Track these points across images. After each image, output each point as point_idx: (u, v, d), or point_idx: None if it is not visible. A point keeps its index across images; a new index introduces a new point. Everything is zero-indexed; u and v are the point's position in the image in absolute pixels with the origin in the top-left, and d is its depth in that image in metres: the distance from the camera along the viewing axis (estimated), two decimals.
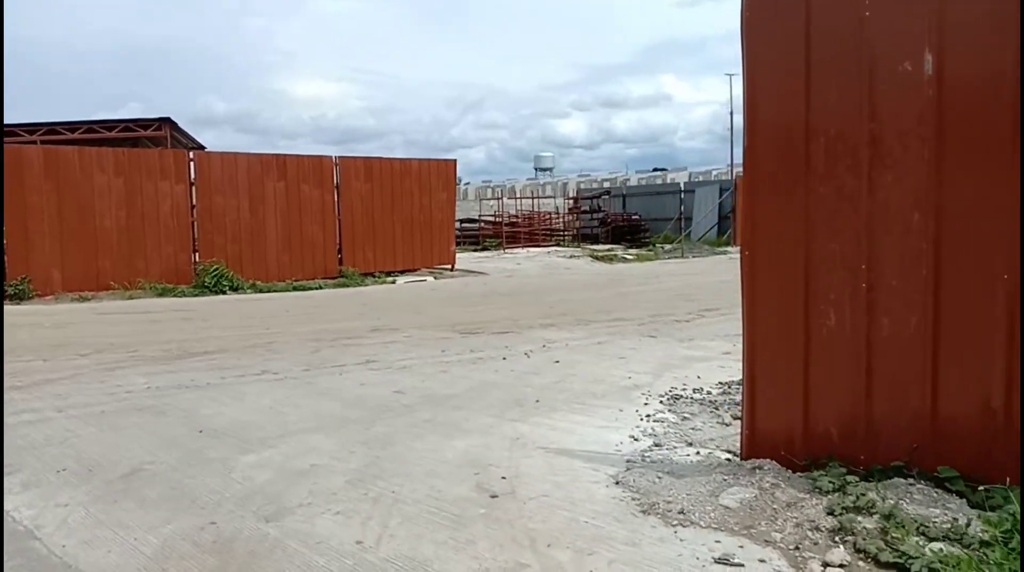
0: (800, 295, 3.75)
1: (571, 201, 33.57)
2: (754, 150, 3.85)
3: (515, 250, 26.97)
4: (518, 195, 39.85)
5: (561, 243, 30.41)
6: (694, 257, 23.84)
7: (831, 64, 3.59)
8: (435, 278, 17.78)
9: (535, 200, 32.67)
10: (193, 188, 15.92)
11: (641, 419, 5.17)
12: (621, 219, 29.71)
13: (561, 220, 31.97)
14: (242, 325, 10.55)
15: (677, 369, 6.95)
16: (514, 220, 30.00)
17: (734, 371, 6.78)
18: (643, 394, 5.96)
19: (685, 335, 8.89)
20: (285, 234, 16.64)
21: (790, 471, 3.66)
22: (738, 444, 4.49)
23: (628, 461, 4.21)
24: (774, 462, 3.73)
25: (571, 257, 23.38)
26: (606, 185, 77.92)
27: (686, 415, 5.25)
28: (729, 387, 6.13)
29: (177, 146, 21.79)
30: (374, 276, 17.55)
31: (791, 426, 3.80)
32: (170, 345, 8.84)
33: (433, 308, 12.01)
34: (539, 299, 13.04)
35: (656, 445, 4.52)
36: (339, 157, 17.35)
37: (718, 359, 7.38)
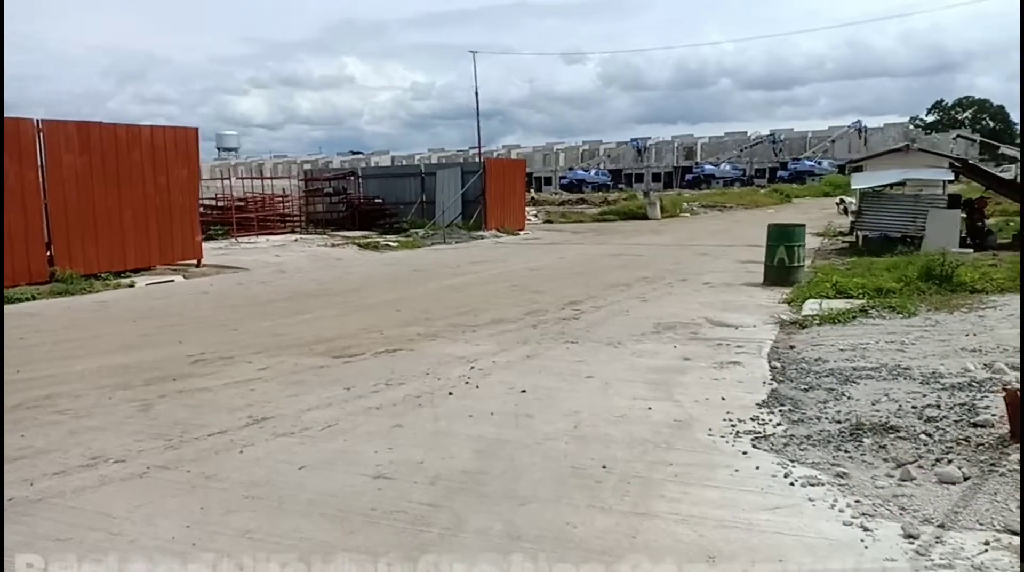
0: None
1: (304, 183, 30.28)
2: None
3: (251, 239, 23.27)
4: (209, 176, 35.10)
5: (297, 230, 27.19)
6: (457, 243, 22.61)
7: None
8: (185, 278, 14.14)
9: (263, 181, 28.78)
10: None
11: (792, 484, 3.72)
12: (367, 203, 27.35)
13: (294, 204, 28.60)
14: None
15: (677, 388, 5.62)
16: (240, 204, 26.03)
17: (734, 384, 5.67)
18: (710, 435, 4.52)
19: (606, 337, 7.57)
20: None
21: None
22: (994, 516, 3.27)
23: None
24: None
25: (333, 245, 20.61)
26: (307, 167, 73.61)
27: (834, 468, 3.90)
28: (779, 412, 4.94)
29: None
30: (99, 278, 13.42)
31: None
32: None
33: (241, 321, 9.11)
34: (364, 300, 10.73)
35: (924, 547, 3.07)
36: (44, 121, 12.84)
37: (695, 369, 6.21)
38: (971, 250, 13.95)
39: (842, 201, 22.11)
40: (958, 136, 58.83)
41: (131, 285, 13.30)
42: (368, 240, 22.23)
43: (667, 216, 33.11)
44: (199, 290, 12.42)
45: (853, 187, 15.41)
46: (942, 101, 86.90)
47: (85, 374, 6.36)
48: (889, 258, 13.13)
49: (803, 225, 11.94)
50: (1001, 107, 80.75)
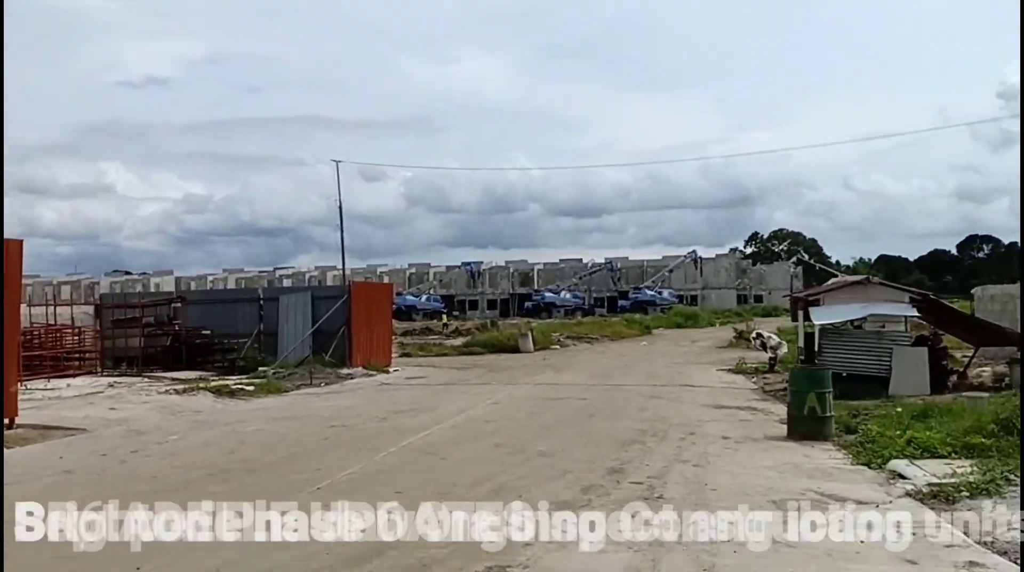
0: None
1: (99, 311, 26.43)
2: None
3: (46, 385, 19.33)
4: None
5: (95, 371, 23.29)
6: (328, 385, 20.18)
7: None
8: (7, 448, 10.95)
9: (46, 308, 24.74)
10: None
11: None
12: (195, 336, 24.16)
13: (90, 336, 24.69)
14: None
15: None
16: (23, 340, 21.88)
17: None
18: None
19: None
20: None
21: None
22: None
23: None
24: None
25: (176, 392, 17.42)
26: (65, 289, 65.87)
27: None
28: None
29: None
30: None
31: None
32: None
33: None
34: (327, 476, 8.55)
35: None
36: None
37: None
38: (943, 392, 14.38)
39: (759, 335, 22.77)
40: (798, 261, 66.13)
41: None
42: (215, 384, 19.23)
43: (539, 349, 32.66)
44: (63, 468, 9.47)
45: (815, 322, 15.70)
46: (758, 234, 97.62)
47: None
48: (877, 401, 13.18)
49: (829, 369, 11.62)
50: (814, 240, 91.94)
